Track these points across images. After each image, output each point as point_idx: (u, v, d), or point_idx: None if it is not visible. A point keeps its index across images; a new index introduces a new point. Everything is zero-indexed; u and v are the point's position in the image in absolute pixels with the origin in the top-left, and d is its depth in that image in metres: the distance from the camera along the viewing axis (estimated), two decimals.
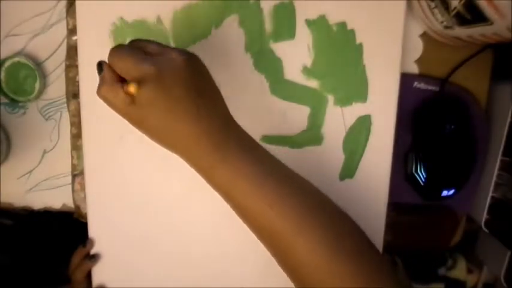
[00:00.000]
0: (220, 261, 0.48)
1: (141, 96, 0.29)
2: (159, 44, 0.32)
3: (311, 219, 0.32)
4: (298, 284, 0.33)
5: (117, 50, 0.31)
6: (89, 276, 0.48)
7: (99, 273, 0.48)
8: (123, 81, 0.30)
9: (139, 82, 0.29)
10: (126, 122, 0.33)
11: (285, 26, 0.44)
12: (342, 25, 0.45)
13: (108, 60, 0.31)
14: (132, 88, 0.28)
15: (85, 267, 0.47)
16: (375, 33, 0.45)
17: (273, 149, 0.46)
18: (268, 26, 0.44)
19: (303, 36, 0.45)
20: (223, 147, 0.31)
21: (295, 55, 0.45)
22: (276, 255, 0.33)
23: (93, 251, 0.48)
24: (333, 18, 0.44)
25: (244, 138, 0.34)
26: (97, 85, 0.31)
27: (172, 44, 0.44)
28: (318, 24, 0.44)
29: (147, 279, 0.48)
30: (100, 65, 0.31)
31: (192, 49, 0.45)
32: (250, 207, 0.32)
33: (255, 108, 0.46)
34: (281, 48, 0.45)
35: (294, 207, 0.31)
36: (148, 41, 0.32)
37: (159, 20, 0.44)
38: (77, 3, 0.44)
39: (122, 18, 0.44)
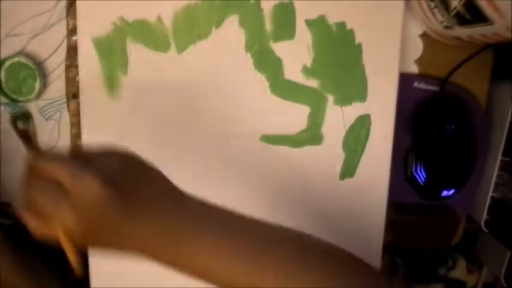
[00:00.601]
0: None
1: (75, 239, 0.28)
2: (71, 170, 0.27)
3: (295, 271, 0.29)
4: None
5: (28, 190, 0.28)
6: (86, 272, 0.48)
7: (99, 270, 0.48)
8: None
9: (64, 228, 0.27)
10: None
11: (285, 26, 0.44)
12: (342, 25, 0.45)
13: (22, 198, 0.28)
14: (79, 273, 0.28)
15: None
16: (373, 33, 0.45)
17: (273, 149, 0.46)
18: (268, 26, 0.44)
19: (303, 36, 0.45)
20: (180, 237, 0.29)
21: (295, 55, 0.45)
22: None
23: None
24: (333, 18, 0.44)
25: (202, 214, 0.31)
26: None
27: (172, 44, 0.44)
28: (318, 24, 0.44)
29: (147, 278, 0.48)
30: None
31: (192, 49, 0.45)
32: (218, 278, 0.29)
33: (255, 108, 0.46)
34: (281, 48, 0.45)
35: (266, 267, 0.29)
36: (60, 165, 0.28)
37: (159, 20, 0.44)
38: (77, 3, 0.44)
39: (122, 18, 0.44)
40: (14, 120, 0.28)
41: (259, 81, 0.45)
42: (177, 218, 0.29)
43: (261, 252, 0.29)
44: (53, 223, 0.27)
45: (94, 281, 0.48)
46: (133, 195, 0.29)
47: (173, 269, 0.30)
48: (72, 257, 0.29)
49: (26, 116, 0.36)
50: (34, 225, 0.28)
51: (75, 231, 0.27)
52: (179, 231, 0.29)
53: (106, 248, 0.30)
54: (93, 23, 0.44)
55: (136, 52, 0.44)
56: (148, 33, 0.44)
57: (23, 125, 0.40)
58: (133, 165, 0.30)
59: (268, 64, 0.45)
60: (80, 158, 0.29)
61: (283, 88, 0.45)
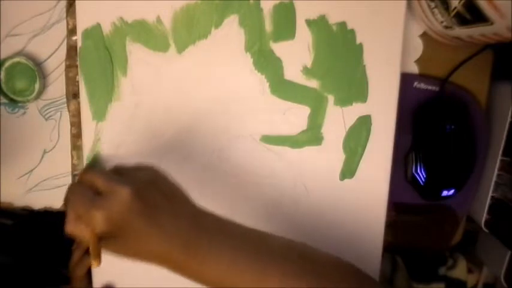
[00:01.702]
0: None
1: (100, 239, 0.32)
2: (107, 178, 0.33)
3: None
4: None
5: (71, 192, 0.33)
6: (89, 273, 0.48)
7: (99, 270, 0.48)
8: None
9: (93, 229, 0.31)
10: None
11: (285, 25, 0.44)
12: (342, 25, 0.45)
13: (65, 200, 0.34)
14: (95, 264, 0.32)
15: (85, 263, 0.48)
16: (375, 33, 0.45)
17: (273, 149, 0.46)
18: (268, 26, 0.44)
19: (303, 36, 0.45)
20: (195, 249, 0.32)
21: (295, 55, 0.45)
22: None
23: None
24: (333, 18, 0.44)
25: (216, 230, 0.34)
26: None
27: (172, 44, 0.44)
28: (318, 24, 0.44)
29: (149, 277, 0.48)
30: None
31: (192, 49, 0.45)
32: None
33: (255, 109, 0.46)
34: (281, 48, 0.45)
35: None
36: (98, 174, 0.33)
37: (159, 20, 0.44)
38: (77, 3, 0.44)
39: (121, 18, 0.44)
40: None
41: (259, 82, 0.45)
42: (192, 232, 0.32)
43: (269, 264, 0.32)
44: (85, 222, 0.32)
45: (96, 281, 0.48)
46: (157, 207, 0.32)
47: (185, 277, 0.33)
48: (94, 250, 0.32)
49: None
50: (71, 222, 0.32)
51: (101, 231, 0.31)
52: (193, 244, 0.32)
53: (124, 251, 0.33)
54: (93, 23, 0.44)
55: (136, 52, 0.44)
56: (147, 34, 0.44)
57: None
58: (160, 179, 0.35)
59: (268, 64, 0.45)
60: (116, 170, 0.34)
61: (283, 88, 0.45)
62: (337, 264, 0.35)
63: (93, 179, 0.33)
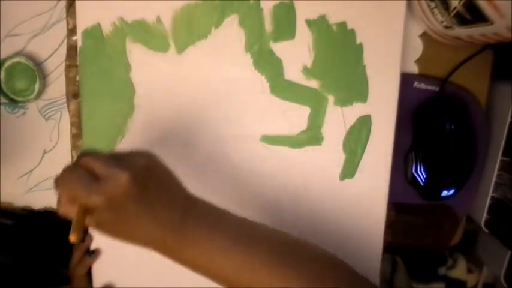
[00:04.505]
0: None
1: (94, 220, 0.32)
2: (105, 163, 0.32)
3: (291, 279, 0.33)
4: None
5: (66, 174, 0.33)
6: (89, 273, 0.48)
7: (99, 270, 0.48)
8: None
9: (90, 210, 0.32)
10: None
11: (285, 25, 0.44)
12: (342, 25, 0.45)
13: (59, 183, 0.33)
14: (72, 237, 0.31)
15: (86, 263, 0.48)
16: (375, 33, 0.45)
17: (273, 149, 0.46)
18: (268, 25, 0.44)
19: (303, 36, 0.45)
20: (187, 234, 0.33)
21: (295, 55, 0.45)
22: None
23: (93, 248, 0.48)
24: (333, 18, 0.44)
25: (209, 216, 0.35)
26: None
27: (172, 44, 0.44)
28: (318, 24, 0.44)
29: (148, 277, 0.48)
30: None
31: (192, 49, 0.45)
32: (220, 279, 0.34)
33: (255, 108, 0.46)
34: (281, 48, 0.45)
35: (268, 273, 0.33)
36: (96, 159, 0.33)
37: (158, 20, 0.44)
38: (77, 3, 0.44)
39: (121, 18, 0.44)
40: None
41: (259, 82, 0.45)
42: (186, 218, 0.33)
43: (261, 254, 0.33)
44: (77, 202, 0.32)
45: (96, 281, 0.49)
46: (152, 193, 0.32)
47: (177, 262, 0.34)
48: (77, 224, 0.31)
49: None
50: (65, 204, 0.32)
51: (97, 213, 0.31)
52: (186, 230, 0.33)
53: (118, 233, 0.33)
54: (92, 23, 0.44)
55: (136, 52, 0.44)
56: (147, 34, 0.44)
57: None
58: (157, 165, 0.34)
59: (268, 64, 0.45)
60: (113, 156, 0.34)
61: (283, 88, 0.45)
62: (332, 262, 0.35)
63: (90, 163, 0.33)
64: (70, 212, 0.32)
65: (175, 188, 0.35)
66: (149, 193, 0.32)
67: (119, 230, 0.33)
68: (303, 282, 0.32)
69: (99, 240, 0.48)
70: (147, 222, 0.32)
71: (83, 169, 0.33)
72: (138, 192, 0.32)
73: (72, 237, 0.31)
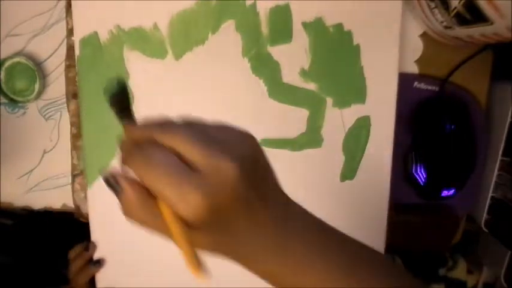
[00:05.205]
0: (225, 263, 0.47)
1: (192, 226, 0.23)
2: (205, 145, 0.22)
3: None
4: None
5: (146, 160, 0.23)
6: (91, 280, 0.48)
7: (102, 276, 0.48)
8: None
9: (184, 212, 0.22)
10: None
11: (282, 29, 0.44)
12: (339, 27, 0.44)
13: (135, 167, 0.23)
14: (196, 272, 0.23)
15: (89, 272, 0.47)
16: (372, 34, 0.45)
17: (273, 152, 0.46)
18: (264, 29, 0.44)
19: (300, 38, 0.44)
20: (288, 255, 0.25)
21: (293, 58, 0.45)
22: None
23: (96, 255, 0.47)
24: (330, 20, 0.44)
25: (309, 231, 0.27)
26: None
27: (169, 50, 0.44)
28: (315, 27, 0.44)
29: (151, 282, 0.48)
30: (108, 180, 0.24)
31: (190, 55, 0.44)
32: None
33: (254, 112, 0.46)
34: (278, 52, 0.45)
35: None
36: (189, 138, 0.23)
37: (155, 27, 0.44)
38: (74, 11, 0.43)
39: (118, 26, 0.44)
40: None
41: (257, 86, 0.45)
42: (283, 233, 0.25)
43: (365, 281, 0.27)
44: (166, 205, 0.22)
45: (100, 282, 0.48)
46: (260, 194, 0.24)
47: (267, 278, 0.26)
48: (187, 249, 0.22)
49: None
50: (141, 205, 0.23)
51: (196, 219, 0.22)
52: (286, 249, 0.25)
53: (217, 248, 0.25)
54: (89, 31, 0.44)
55: (134, 60, 0.44)
56: (144, 41, 0.44)
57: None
58: (261, 156, 0.25)
59: (265, 68, 0.45)
60: (200, 132, 0.24)
61: (281, 92, 0.45)
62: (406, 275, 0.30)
63: (175, 142, 0.23)
64: (147, 216, 0.23)
65: (272, 178, 0.26)
66: (256, 196, 0.24)
67: (217, 243, 0.24)
68: None
69: (101, 246, 0.48)
70: (250, 233, 0.24)
71: (166, 152, 0.23)
72: (245, 194, 0.23)
73: (196, 272, 0.22)
